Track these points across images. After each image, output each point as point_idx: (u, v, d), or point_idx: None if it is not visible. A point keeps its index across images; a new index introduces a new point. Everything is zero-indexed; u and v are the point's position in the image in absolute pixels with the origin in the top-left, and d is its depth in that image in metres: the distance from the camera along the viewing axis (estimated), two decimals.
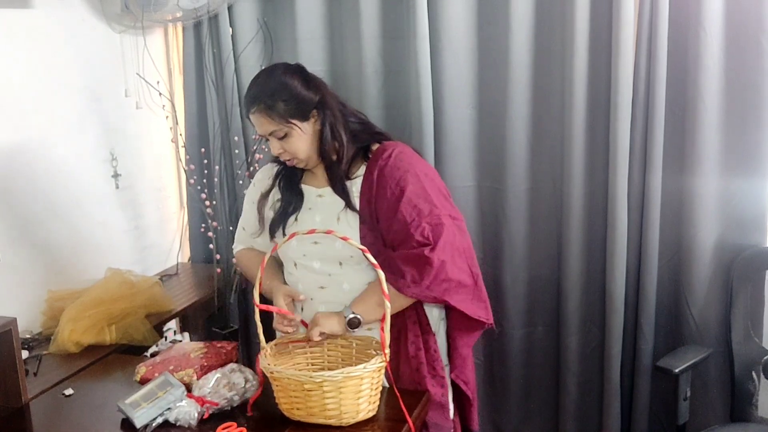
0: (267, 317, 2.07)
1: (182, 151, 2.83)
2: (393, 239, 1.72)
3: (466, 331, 1.83)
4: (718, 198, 2.26)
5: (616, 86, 2.25)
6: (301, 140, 1.74)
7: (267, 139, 1.77)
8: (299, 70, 1.77)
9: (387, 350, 1.59)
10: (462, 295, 1.73)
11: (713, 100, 2.20)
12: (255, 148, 2.72)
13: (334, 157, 1.78)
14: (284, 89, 1.71)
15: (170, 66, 2.90)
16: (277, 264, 1.92)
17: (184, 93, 2.84)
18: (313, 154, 1.77)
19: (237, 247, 2.03)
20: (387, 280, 1.66)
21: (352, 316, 1.71)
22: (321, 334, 1.70)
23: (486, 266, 2.61)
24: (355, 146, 1.80)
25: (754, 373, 2.21)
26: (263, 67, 2.63)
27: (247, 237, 1.98)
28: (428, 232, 1.68)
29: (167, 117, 2.84)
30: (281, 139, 1.73)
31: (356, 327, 1.72)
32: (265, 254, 1.91)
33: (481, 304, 1.78)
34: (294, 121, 1.71)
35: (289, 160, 1.78)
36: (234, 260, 2.15)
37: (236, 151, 2.76)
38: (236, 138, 2.76)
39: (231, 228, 2.81)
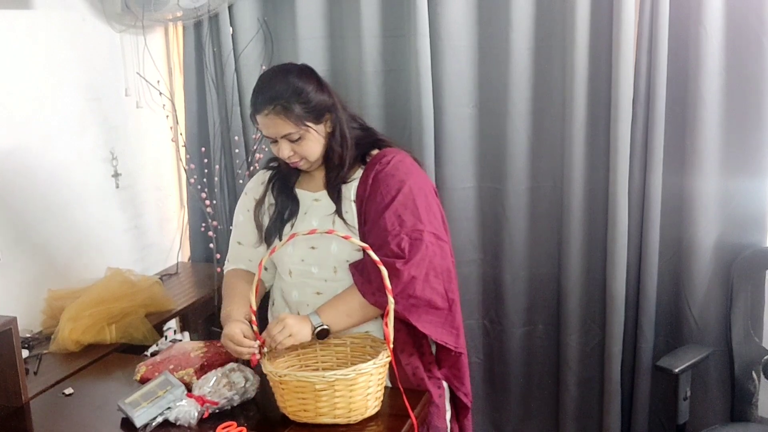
0: (262, 317, 2.05)
1: (182, 150, 2.83)
2: (371, 244, 1.68)
3: (441, 351, 1.80)
4: (719, 197, 2.26)
5: (617, 85, 2.25)
6: (315, 143, 1.73)
7: (274, 141, 1.73)
8: (312, 72, 1.76)
9: (391, 345, 1.58)
10: (430, 317, 1.70)
11: (714, 99, 2.20)
12: (255, 147, 2.72)
13: (338, 161, 1.76)
14: (301, 92, 1.68)
15: (170, 65, 2.89)
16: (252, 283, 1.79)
17: (185, 92, 2.84)
18: (321, 157, 1.76)
19: (229, 266, 1.92)
20: (355, 281, 1.65)
21: (321, 327, 1.66)
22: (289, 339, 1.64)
23: (486, 265, 2.62)
24: (357, 151, 1.79)
25: (754, 373, 2.20)
26: (263, 67, 2.68)
27: (245, 251, 1.88)
28: (405, 245, 1.65)
29: (167, 116, 2.84)
30: (294, 141, 1.71)
31: (324, 338, 1.68)
32: (254, 275, 1.84)
33: (451, 331, 1.74)
34: (309, 124, 1.70)
35: (295, 162, 1.76)
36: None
37: (236, 150, 2.76)
38: (236, 137, 2.76)
39: (231, 227, 2.80)
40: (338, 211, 1.75)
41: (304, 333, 1.65)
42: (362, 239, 1.72)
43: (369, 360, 1.58)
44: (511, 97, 2.42)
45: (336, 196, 1.76)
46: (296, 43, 2.62)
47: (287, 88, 1.68)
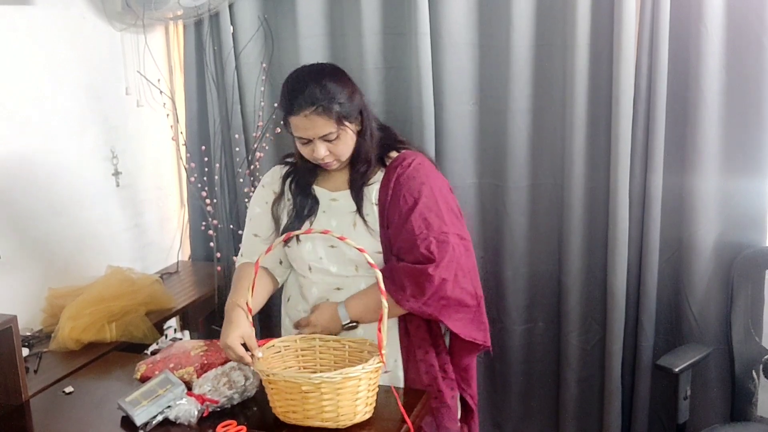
0: (260, 318, 2.04)
1: (183, 149, 2.83)
2: (399, 248, 1.72)
3: (462, 350, 1.83)
4: (719, 196, 2.26)
5: (618, 83, 2.25)
6: (350, 142, 1.74)
7: (306, 143, 1.72)
8: (344, 73, 1.78)
9: (384, 351, 1.57)
10: (461, 315, 1.73)
11: (714, 98, 2.20)
12: (256, 146, 2.72)
13: (364, 160, 1.78)
14: (340, 92, 1.70)
15: (171, 64, 2.89)
16: (264, 278, 1.84)
17: (185, 91, 2.83)
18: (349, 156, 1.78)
19: (243, 260, 1.88)
20: (387, 289, 1.64)
21: (351, 324, 1.75)
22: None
23: (487, 263, 2.61)
24: (379, 151, 1.80)
25: (754, 372, 2.21)
26: (264, 65, 2.68)
27: (262, 244, 1.83)
28: (434, 248, 1.68)
29: (168, 115, 2.84)
30: (331, 141, 1.71)
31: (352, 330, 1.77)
32: (267, 270, 1.88)
33: (480, 326, 1.78)
34: (347, 124, 1.72)
35: (328, 163, 1.76)
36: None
37: (237, 149, 2.76)
38: (237, 136, 2.75)
39: (231, 226, 2.81)
40: (359, 212, 1.75)
41: (327, 326, 1.78)
42: (384, 242, 1.74)
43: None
44: (512, 95, 2.42)
45: (357, 196, 1.77)
46: (297, 41, 2.61)
47: (325, 89, 1.69)
